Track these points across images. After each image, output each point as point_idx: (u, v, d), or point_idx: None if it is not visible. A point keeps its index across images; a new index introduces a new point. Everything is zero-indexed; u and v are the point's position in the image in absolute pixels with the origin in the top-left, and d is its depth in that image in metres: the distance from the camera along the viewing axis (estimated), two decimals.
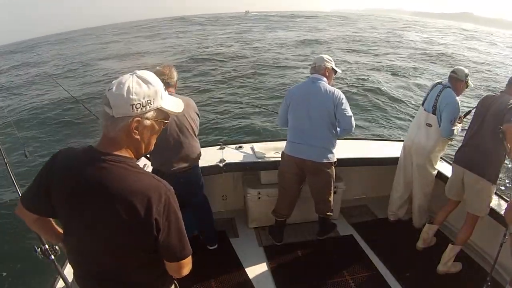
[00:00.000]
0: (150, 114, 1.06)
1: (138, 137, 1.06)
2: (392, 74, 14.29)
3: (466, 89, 2.90)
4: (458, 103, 2.72)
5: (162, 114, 1.10)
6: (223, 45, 23.52)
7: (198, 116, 2.58)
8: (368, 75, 13.26)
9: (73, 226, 1.12)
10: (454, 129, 2.73)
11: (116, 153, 1.05)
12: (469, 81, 2.82)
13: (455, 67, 2.91)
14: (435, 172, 2.99)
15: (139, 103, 1.02)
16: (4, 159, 2.05)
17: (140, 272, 1.15)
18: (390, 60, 17.74)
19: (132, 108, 1.01)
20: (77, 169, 1.05)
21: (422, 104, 2.96)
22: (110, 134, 1.05)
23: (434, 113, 2.80)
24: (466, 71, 2.82)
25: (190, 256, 1.16)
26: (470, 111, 2.93)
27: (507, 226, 2.13)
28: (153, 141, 1.14)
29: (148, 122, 1.06)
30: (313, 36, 28.58)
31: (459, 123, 2.92)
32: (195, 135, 2.53)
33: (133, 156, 1.10)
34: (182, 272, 1.17)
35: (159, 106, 1.07)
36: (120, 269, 1.13)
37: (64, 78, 15.30)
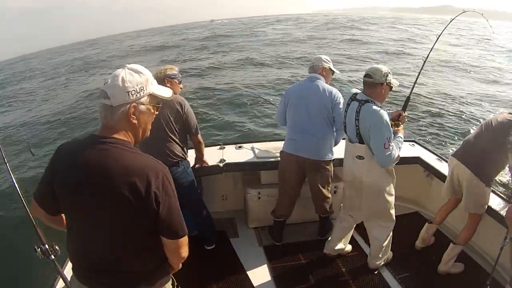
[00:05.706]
0: (144, 100, 1.17)
1: (135, 121, 1.16)
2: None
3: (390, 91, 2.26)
4: (385, 118, 2.09)
5: (155, 99, 1.22)
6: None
7: (184, 114, 2.50)
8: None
9: (76, 212, 1.17)
10: (391, 152, 2.11)
11: (115, 136, 1.14)
12: (391, 81, 2.21)
13: (369, 67, 2.24)
14: (393, 209, 2.45)
15: (134, 90, 1.13)
16: (4, 159, 2.05)
17: (138, 261, 1.19)
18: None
19: (128, 95, 1.12)
20: (78, 153, 1.13)
21: (345, 130, 2.37)
22: (110, 123, 1.14)
23: (361, 141, 2.21)
24: (385, 69, 2.19)
25: (187, 237, 1.22)
26: (407, 100, 2.61)
27: (508, 228, 2.13)
28: (149, 127, 1.25)
29: (143, 107, 1.17)
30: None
31: (402, 123, 2.44)
32: (175, 134, 2.48)
33: (131, 140, 1.19)
34: (181, 252, 1.21)
35: (151, 92, 1.18)
36: (118, 257, 1.17)
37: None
